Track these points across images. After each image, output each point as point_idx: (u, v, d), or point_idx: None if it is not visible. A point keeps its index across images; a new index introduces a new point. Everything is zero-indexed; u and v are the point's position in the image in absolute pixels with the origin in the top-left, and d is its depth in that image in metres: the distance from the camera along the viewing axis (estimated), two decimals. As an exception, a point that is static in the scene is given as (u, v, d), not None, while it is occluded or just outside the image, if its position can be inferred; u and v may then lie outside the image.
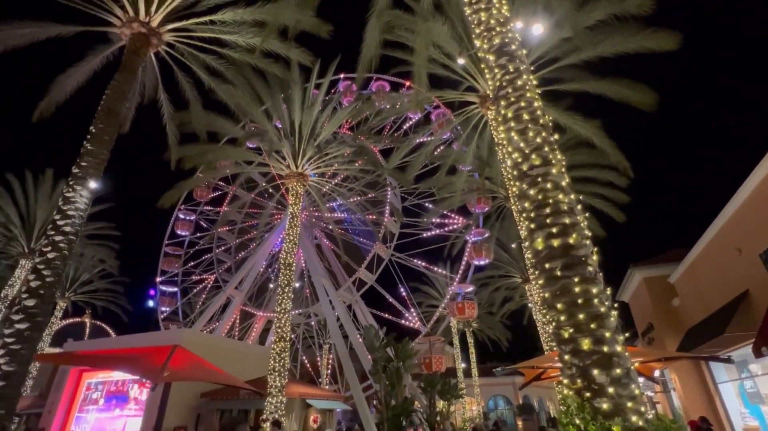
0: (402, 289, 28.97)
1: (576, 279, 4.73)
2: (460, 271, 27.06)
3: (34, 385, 26.05)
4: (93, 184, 9.71)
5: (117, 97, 10.88)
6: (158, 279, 33.24)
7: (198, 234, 35.58)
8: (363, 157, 22.84)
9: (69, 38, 12.73)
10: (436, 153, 23.13)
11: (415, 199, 30.14)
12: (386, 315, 28.72)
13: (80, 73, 13.43)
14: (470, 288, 27.26)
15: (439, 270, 29.64)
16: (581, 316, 4.57)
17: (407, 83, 28.81)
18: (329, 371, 33.87)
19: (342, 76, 31.37)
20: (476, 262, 26.52)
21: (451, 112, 24.08)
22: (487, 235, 26.18)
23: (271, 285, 33.10)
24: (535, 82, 6.14)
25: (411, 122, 31.08)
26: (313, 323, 34.04)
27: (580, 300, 4.65)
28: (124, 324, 36.20)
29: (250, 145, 23.07)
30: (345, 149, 20.76)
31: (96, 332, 37.43)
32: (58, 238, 8.78)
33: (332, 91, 30.20)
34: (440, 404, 22.36)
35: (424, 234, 29.27)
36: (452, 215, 28.46)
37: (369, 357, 21.36)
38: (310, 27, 12.68)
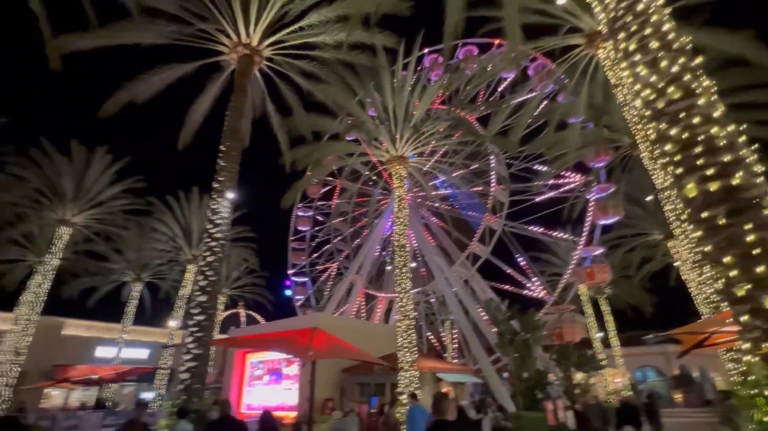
0: (520, 259, 27.69)
1: (747, 227, 3.91)
2: (585, 234, 24.70)
3: (212, 365, 31.95)
4: (230, 194, 11.27)
5: (236, 116, 12.35)
6: (290, 272, 37.44)
7: (316, 228, 38.89)
8: (460, 129, 22.16)
9: (191, 74, 14.81)
10: (539, 110, 21.25)
11: (522, 163, 28.27)
12: (506, 287, 27.86)
13: (205, 101, 15.55)
14: (599, 251, 24.73)
15: (560, 235, 27.49)
16: (760, 269, 3.78)
17: (496, 42, 26.88)
18: (455, 346, 34.41)
19: (426, 50, 30.67)
20: (603, 221, 23.86)
21: (551, 62, 21.76)
22: (612, 190, 23.30)
23: (388, 268, 34.67)
24: (660, 1, 5.14)
25: (506, 82, 29.04)
26: (432, 301, 34.80)
27: (756, 251, 3.84)
28: (269, 312, 41.69)
29: (350, 138, 24.17)
30: (440, 125, 20.37)
31: (249, 321, 43.98)
32: (212, 244, 10.45)
33: (419, 68, 29.76)
34: (578, 376, 21.03)
35: (538, 199, 27.36)
36: (568, 174, 25.99)
37: (493, 330, 21.06)
38: (391, 8, 12.63)
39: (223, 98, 14.92)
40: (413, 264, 32.26)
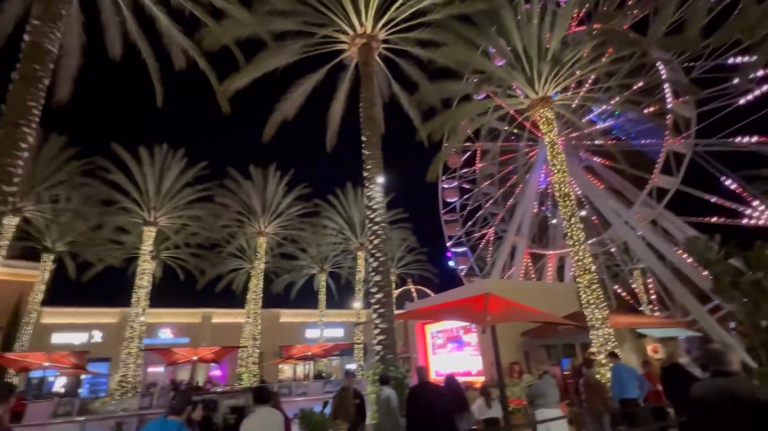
0: (729, 182, 21.87)
1: None
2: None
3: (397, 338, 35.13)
4: (380, 180, 11.89)
5: (369, 105, 12.90)
6: (448, 244, 38.04)
7: (465, 197, 38.37)
8: (610, 46, 18.47)
9: (322, 80, 16.08)
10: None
11: (709, 61, 22.04)
12: (713, 219, 22.46)
13: (339, 101, 16.71)
14: None
15: (786, 141, 20.64)
16: None
17: None
18: (652, 297, 29.70)
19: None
20: None
21: None
22: None
23: (552, 222, 31.96)
24: None
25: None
26: (612, 250, 30.65)
27: None
28: (436, 284, 43.32)
29: (480, 97, 22.79)
30: (583, 48, 17.35)
31: (420, 295, 46.61)
32: (375, 228, 11.22)
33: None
34: None
35: (742, 101, 21.00)
36: (785, 56, 19.12)
37: (704, 273, 17.31)
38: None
39: (354, 93, 15.84)
40: (582, 213, 28.88)
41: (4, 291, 25.64)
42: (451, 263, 38.29)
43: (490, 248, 36.77)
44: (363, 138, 12.48)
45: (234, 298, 34.87)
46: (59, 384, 28.12)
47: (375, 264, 10.78)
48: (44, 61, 9.18)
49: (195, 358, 20.82)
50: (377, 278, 10.61)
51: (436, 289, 43.23)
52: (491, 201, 37.29)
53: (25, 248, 25.70)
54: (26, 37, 9.19)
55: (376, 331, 10.17)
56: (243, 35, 13.56)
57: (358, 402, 6.94)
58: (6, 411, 3.63)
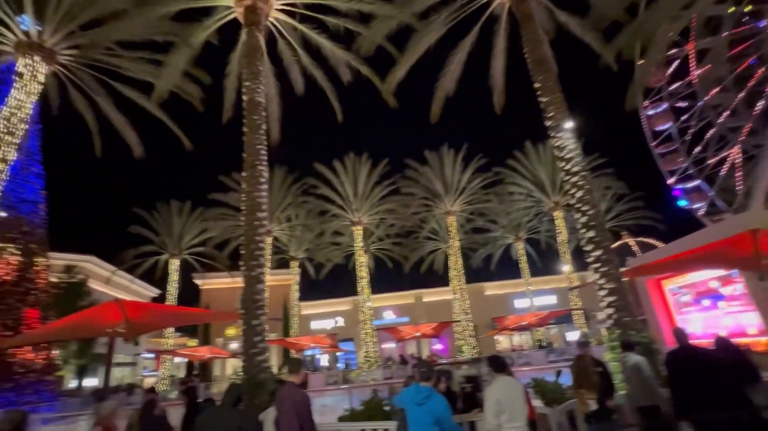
0: None
1: None
2: None
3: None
4: (567, 124, 10.39)
5: (535, 46, 11.46)
6: (670, 181, 30.86)
7: (683, 118, 30.34)
8: None
9: (477, 40, 15.15)
10: None
11: None
12: None
13: (498, 58, 15.48)
14: None
15: None
16: None
17: None
18: None
19: None
20: None
21: None
22: None
23: None
24: None
25: None
26: None
27: None
28: (661, 232, 35.73)
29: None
30: None
31: (642, 248, 39.43)
32: (573, 179, 9.88)
33: None
34: None
35: None
36: None
37: None
38: None
39: (512, 45, 14.40)
40: None
41: (274, 293, 34.06)
42: (681, 203, 30.94)
43: (738, 173, 27.99)
44: (536, 85, 11.15)
45: (438, 277, 37.12)
46: (324, 360, 35.66)
47: (584, 219, 9.46)
48: (258, 111, 11.57)
49: (418, 334, 23.00)
50: (590, 234, 9.29)
51: (664, 238, 35.87)
52: (726, 113, 28.32)
53: (280, 259, 33.45)
54: (244, 98, 11.76)
55: (603, 293, 8.92)
56: (392, 29, 14.00)
57: (601, 370, 6.18)
58: (300, 380, 4.65)
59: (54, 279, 23.93)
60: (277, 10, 14.00)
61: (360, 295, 28.75)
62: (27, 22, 12.62)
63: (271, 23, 14.41)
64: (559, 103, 10.70)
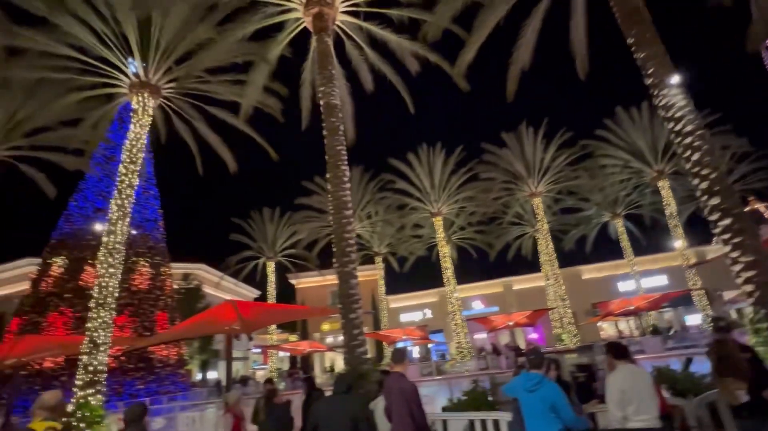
0: None
1: None
2: None
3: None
4: (674, 79, 9.08)
5: (623, -3, 10.18)
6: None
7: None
8: None
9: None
10: None
11: None
12: None
13: (579, 22, 14.10)
14: None
15: None
16: None
17: None
18: None
19: None
20: None
21: None
22: None
23: None
24: None
25: None
26: None
27: None
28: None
29: None
30: None
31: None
32: (687, 141, 8.60)
33: None
34: None
35: None
36: None
37: None
38: None
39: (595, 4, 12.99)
40: None
41: (362, 289, 35.09)
42: None
43: None
44: (630, 40, 9.89)
45: (527, 264, 35.32)
46: (415, 352, 36.06)
47: (704, 185, 8.17)
48: (336, 114, 11.96)
49: (511, 323, 22.12)
50: (714, 201, 8.00)
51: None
52: None
53: (364, 256, 34.50)
54: (321, 102, 12.24)
55: (737, 267, 7.63)
56: (457, 9, 13.49)
57: (749, 356, 5.28)
58: (403, 369, 4.70)
59: (175, 286, 27.49)
60: (342, 12, 14.31)
61: (446, 286, 28.47)
62: (134, 65, 14.48)
63: (338, 26, 14.79)
64: (661, 56, 9.39)
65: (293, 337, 40.00)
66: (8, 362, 9.41)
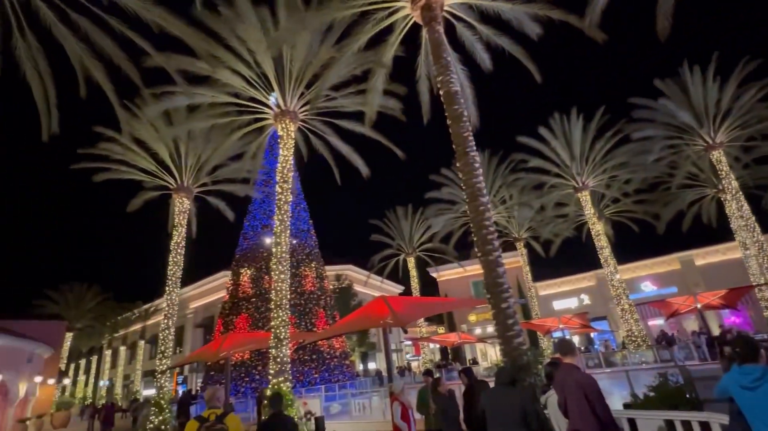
0: None
1: None
2: None
3: None
4: None
5: None
6: None
7: None
8: None
9: None
10: None
11: None
12: None
13: None
14: None
15: None
16: None
17: None
18: None
19: None
20: None
21: None
22: None
23: None
24: None
25: None
26: None
27: None
28: None
29: None
30: None
31: None
32: None
33: None
34: None
35: None
36: None
37: None
38: None
39: None
40: None
41: (508, 277, 33.83)
42: None
43: None
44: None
45: (711, 233, 28.87)
46: (576, 342, 32.84)
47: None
48: (457, 100, 11.64)
49: (699, 306, 18.22)
50: None
51: None
52: None
53: (503, 242, 32.95)
54: (441, 92, 12.06)
55: None
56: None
57: None
58: (574, 360, 4.23)
59: (330, 286, 30.73)
60: (448, -5, 13.88)
61: (605, 268, 25.17)
62: (274, 97, 16.63)
63: (447, 12, 14.40)
64: None
65: (441, 329, 40.68)
66: (222, 354, 11.78)
